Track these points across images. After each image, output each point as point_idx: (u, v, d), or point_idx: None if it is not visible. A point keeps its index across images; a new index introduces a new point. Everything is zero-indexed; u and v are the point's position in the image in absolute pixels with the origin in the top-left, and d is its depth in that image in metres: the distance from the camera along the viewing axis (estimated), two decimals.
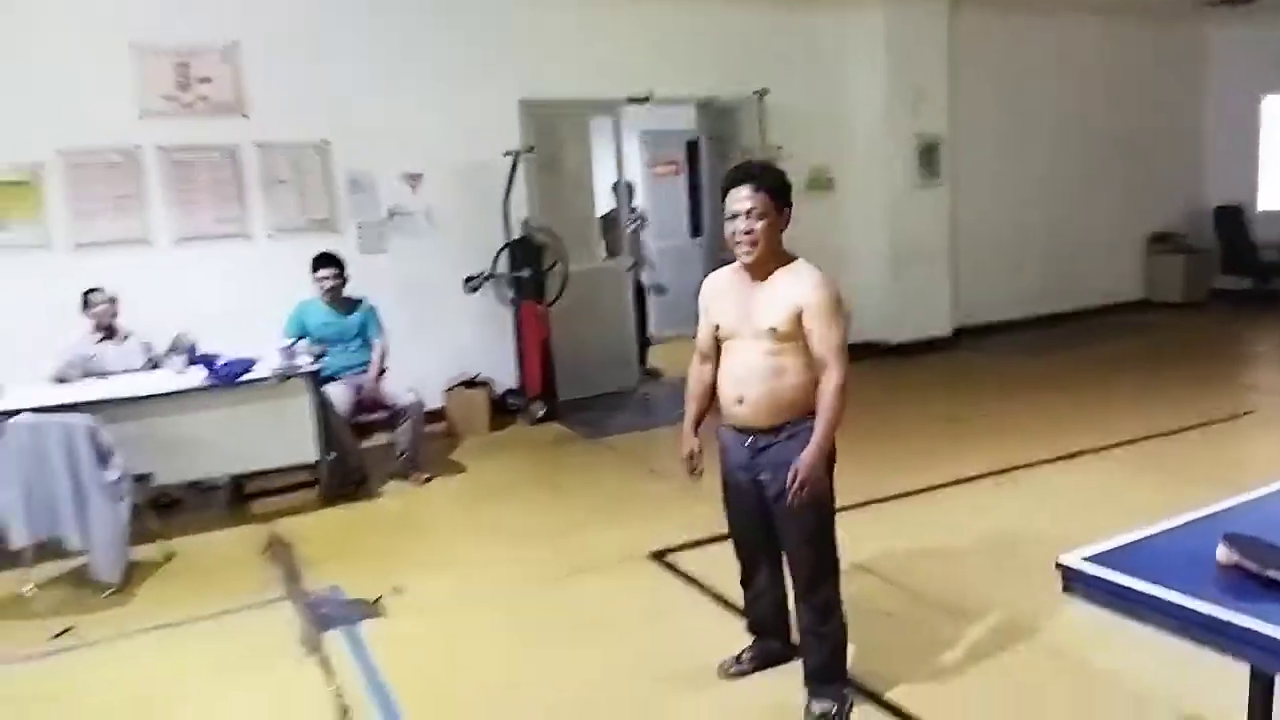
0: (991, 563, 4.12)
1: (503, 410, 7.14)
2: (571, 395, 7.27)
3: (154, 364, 5.45)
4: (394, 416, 5.74)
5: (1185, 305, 10.67)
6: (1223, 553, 1.86)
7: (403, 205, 6.94)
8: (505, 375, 7.23)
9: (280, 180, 6.54)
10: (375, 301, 5.96)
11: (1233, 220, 10.87)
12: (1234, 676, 1.99)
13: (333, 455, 5.37)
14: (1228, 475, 4.58)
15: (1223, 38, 10.84)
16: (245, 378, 5.10)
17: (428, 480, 5.75)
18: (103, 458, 4.32)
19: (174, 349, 5.30)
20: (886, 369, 8.31)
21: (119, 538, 4.36)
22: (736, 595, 3.36)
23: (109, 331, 5.43)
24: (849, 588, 3.10)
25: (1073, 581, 1.95)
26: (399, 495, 5.61)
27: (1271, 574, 1.77)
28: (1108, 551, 2.00)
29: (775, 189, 2.82)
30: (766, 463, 2.89)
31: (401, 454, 5.74)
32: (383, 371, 5.83)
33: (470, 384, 7.00)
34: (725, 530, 3.22)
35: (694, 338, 3.12)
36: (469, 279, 6.93)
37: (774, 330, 2.79)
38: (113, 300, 5.41)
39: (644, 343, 8.41)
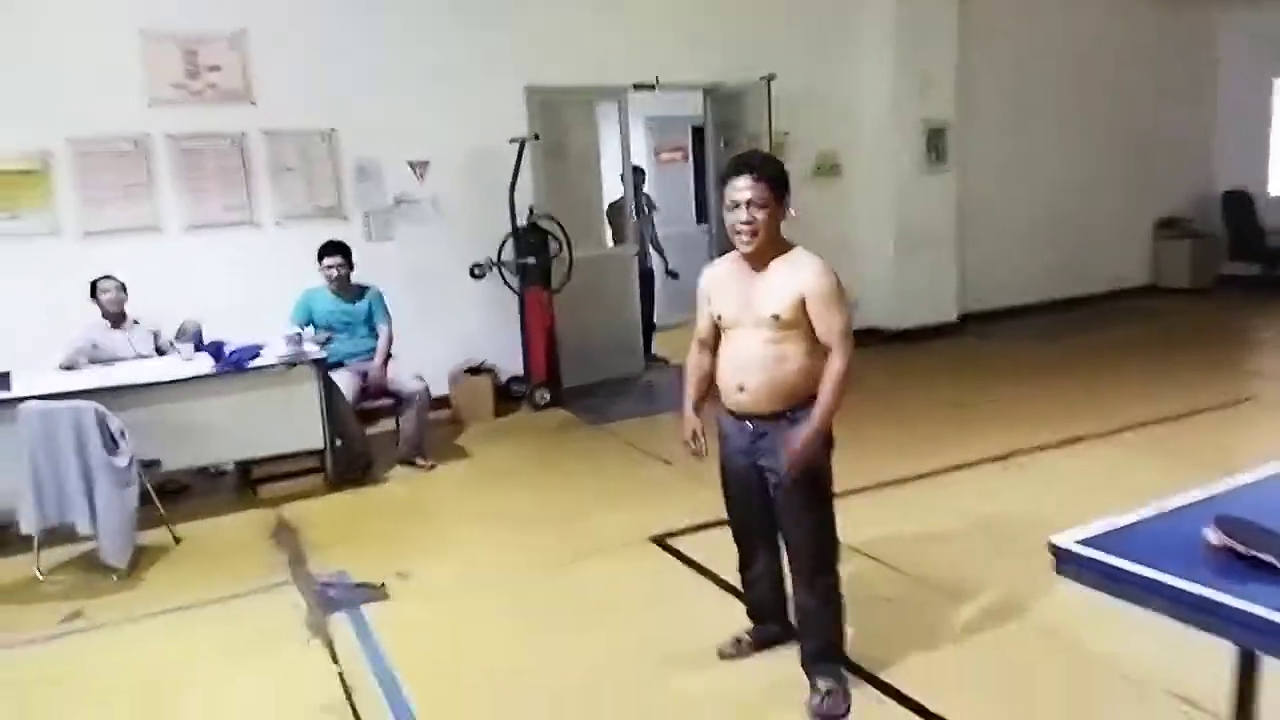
0: (993, 547, 4.14)
1: (508, 397, 7.17)
2: (576, 382, 7.30)
3: (162, 351, 5.49)
4: (400, 403, 5.78)
5: (1192, 291, 10.63)
6: (1212, 535, 1.88)
7: (409, 193, 6.96)
8: (510, 362, 7.25)
9: (288, 168, 6.57)
10: (382, 289, 6.00)
11: (1241, 205, 10.82)
12: (1222, 656, 2.02)
13: (339, 441, 5.42)
14: (1232, 460, 4.56)
15: (1231, 21, 10.76)
16: (252, 364, 5.14)
17: (433, 466, 5.79)
18: (112, 443, 4.37)
19: (182, 336, 5.35)
20: (893, 354, 8.31)
21: (127, 523, 4.41)
22: (737, 579, 3.39)
23: (117, 319, 5.46)
24: (849, 571, 3.13)
25: (1064, 563, 1.98)
26: (405, 481, 5.65)
27: (1258, 554, 1.79)
28: (1100, 534, 2.01)
29: (774, 179, 2.84)
30: (767, 448, 2.91)
31: (407, 440, 5.78)
32: (389, 358, 5.86)
33: (476, 370, 7.03)
34: (726, 515, 3.25)
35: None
36: (475, 266, 6.95)
37: (776, 318, 2.81)
38: (121, 288, 5.44)
39: (649, 329, 8.42)
